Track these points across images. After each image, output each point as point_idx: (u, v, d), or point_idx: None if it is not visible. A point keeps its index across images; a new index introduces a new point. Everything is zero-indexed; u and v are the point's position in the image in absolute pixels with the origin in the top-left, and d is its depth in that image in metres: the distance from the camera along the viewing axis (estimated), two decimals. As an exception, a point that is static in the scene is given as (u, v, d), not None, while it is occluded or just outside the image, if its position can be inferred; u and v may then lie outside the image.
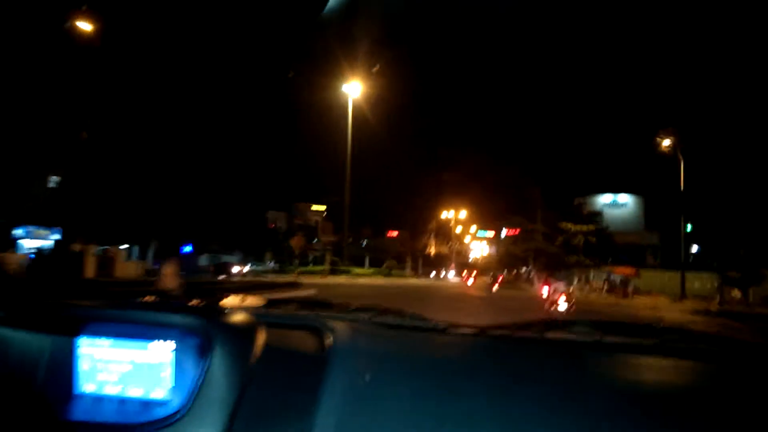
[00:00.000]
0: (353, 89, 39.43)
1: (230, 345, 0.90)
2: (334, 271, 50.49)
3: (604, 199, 62.76)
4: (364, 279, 47.70)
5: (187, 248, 71.16)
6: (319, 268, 51.23)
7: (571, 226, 40.49)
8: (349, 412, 0.84)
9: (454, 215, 76.87)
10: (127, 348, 0.96)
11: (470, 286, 36.14)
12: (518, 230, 49.09)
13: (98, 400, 0.95)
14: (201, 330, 0.92)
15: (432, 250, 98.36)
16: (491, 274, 37.29)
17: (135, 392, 0.95)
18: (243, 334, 0.95)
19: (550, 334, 1.27)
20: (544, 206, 46.56)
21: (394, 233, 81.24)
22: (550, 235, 44.67)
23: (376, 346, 1.07)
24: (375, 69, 33.76)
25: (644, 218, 62.36)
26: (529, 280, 51.08)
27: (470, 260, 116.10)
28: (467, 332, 1.29)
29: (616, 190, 62.37)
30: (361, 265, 62.65)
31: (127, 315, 0.99)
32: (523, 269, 70.08)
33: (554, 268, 47.85)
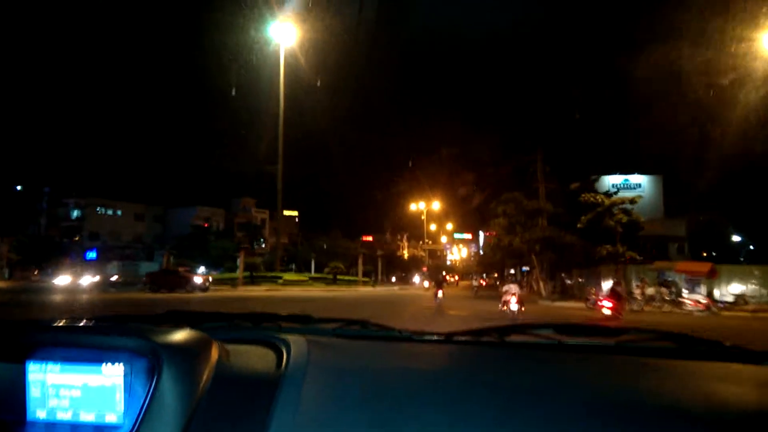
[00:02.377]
0: (284, 33, 31.28)
1: (179, 365, 0.86)
2: (253, 279, 33.91)
3: (613, 180, 46.95)
4: (293, 289, 32.07)
5: (91, 254, 54.83)
6: (233, 275, 34.46)
7: (603, 199, 24.43)
8: (304, 428, 0.80)
9: (425, 207, 60.38)
10: (77, 372, 0.91)
11: (440, 301, 20.94)
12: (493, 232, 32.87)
13: (51, 426, 0.90)
14: (150, 351, 0.87)
15: (405, 253, 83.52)
16: (438, 277, 28.09)
17: (87, 417, 0.90)
18: (193, 353, 0.90)
19: (513, 338, 1.26)
20: (550, 178, 30.29)
21: (369, 237, 66.47)
22: (560, 217, 28.49)
23: (336, 359, 1.02)
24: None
25: (663, 203, 46.99)
26: (528, 287, 34.87)
27: (447, 263, 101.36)
28: (431, 339, 1.28)
29: (627, 170, 47.73)
30: (309, 270, 46.14)
31: (77, 338, 0.94)
32: (510, 272, 53.67)
33: (568, 266, 32.15)
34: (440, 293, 20.70)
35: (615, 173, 45.97)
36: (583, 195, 25.38)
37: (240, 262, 33.58)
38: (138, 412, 0.82)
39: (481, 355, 1.18)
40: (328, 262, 44.62)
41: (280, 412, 0.81)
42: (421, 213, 60.70)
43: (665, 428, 0.78)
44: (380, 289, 37.06)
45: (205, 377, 0.88)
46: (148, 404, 0.81)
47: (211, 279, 30.55)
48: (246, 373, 0.94)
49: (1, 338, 0.97)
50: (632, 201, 23.64)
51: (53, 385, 0.91)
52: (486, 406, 0.83)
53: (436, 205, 62.53)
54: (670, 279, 23.08)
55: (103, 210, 57.97)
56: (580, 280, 29.40)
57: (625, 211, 23.61)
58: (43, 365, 0.91)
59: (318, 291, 32.40)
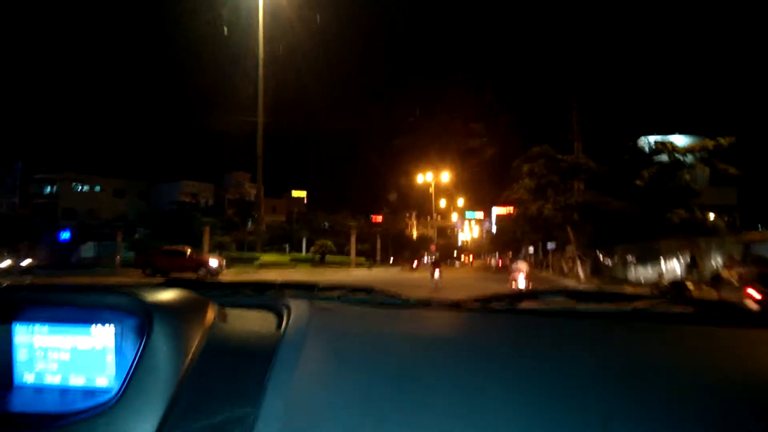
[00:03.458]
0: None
1: (170, 324, 0.81)
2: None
3: (644, 145, 39.92)
4: (268, 273, 26.36)
5: (65, 234, 49.21)
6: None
7: (672, 145, 17.54)
8: (301, 393, 0.77)
9: (433, 178, 53.40)
10: (66, 334, 0.87)
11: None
12: (513, 203, 26.22)
13: (39, 390, 0.87)
14: (140, 310, 0.83)
15: (414, 232, 76.89)
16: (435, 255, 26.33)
17: (76, 381, 0.86)
18: (186, 313, 0.86)
19: (523, 305, 1.22)
20: (586, 132, 23.38)
21: (379, 217, 60.69)
22: (602, 179, 21.67)
23: (339, 323, 1.00)
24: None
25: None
26: (557, 268, 28.19)
27: (459, 242, 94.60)
28: (438, 307, 1.23)
29: (664, 130, 40.47)
30: (301, 250, 39.82)
31: (65, 298, 0.89)
32: (525, 250, 46.78)
33: (610, 241, 25.29)
34: (437, 273, 18.50)
35: (651, 135, 39.08)
36: (640, 141, 18.53)
37: (204, 240, 27.22)
38: (126, 373, 0.77)
39: (489, 321, 1.12)
40: (318, 241, 38.32)
41: (277, 374, 0.78)
42: (429, 186, 53.72)
43: (682, 394, 0.75)
44: (377, 272, 30.57)
45: (198, 338, 0.83)
46: (136, 365, 0.77)
47: (225, 261, 24.17)
48: (244, 335, 0.90)
49: None
50: (717, 146, 16.47)
51: (41, 348, 0.86)
52: (495, 373, 0.80)
53: (446, 177, 55.56)
54: (768, 256, 16.43)
55: (79, 186, 51.85)
56: (629, 258, 22.56)
57: (706, 161, 16.62)
58: (30, 327, 0.87)
59: (298, 274, 26.08)
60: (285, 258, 31.70)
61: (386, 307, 1.22)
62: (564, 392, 0.75)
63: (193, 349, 0.80)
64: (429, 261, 25.48)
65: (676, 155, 17.33)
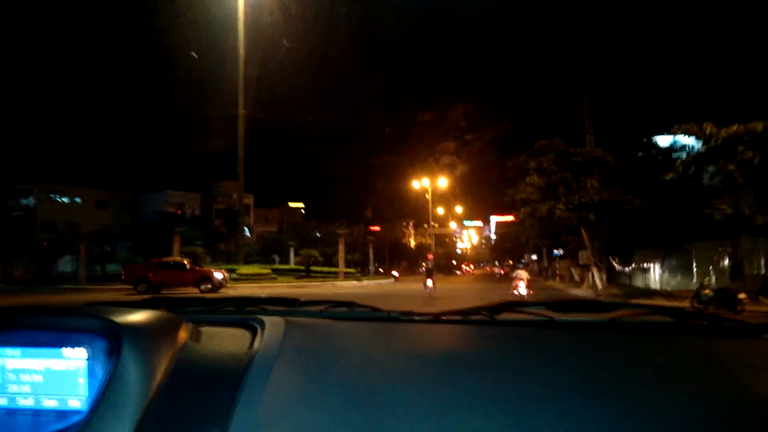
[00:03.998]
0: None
1: (140, 345, 0.82)
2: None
3: (659, 142, 37.50)
4: (246, 286, 23.70)
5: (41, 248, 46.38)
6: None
7: (711, 129, 14.81)
8: (272, 413, 0.76)
9: (430, 184, 50.68)
10: (38, 357, 0.87)
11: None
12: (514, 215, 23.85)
13: (12, 413, 0.87)
14: (110, 331, 0.84)
15: (411, 240, 74.28)
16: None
17: (49, 403, 0.86)
18: (156, 333, 0.86)
19: (503, 316, 1.24)
20: (599, 126, 20.82)
21: (376, 227, 58.55)
22: (618, 175, 18.99)
23: (316, 340, 0.99)
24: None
25: (722, 169, 36.83)
26: (564, 276, 25.47)
27: (458, 251, 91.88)
28: (420, 320, 1.25)
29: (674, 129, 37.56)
30: (288, 260, 37.03)
31: (37, 321, 0.90)
32: (528, 258, 44.19)
33: (629, 245, 22.48)
34: (430, 282, 18.37)
35: (661, 134, 36.56)
36: (675, 127, 15.95)
37: (174, 250, 24.45)
38: (95, 395, 0.79)
39: (470, 333, 1.14)
40: (305, 251, 35.54)
41: (247, 394, 0.78)
42: (426, 192, 50.97)
43: (659, 405, 0.76)
44: (368, 284, 27.69)
45: (168, 359, 0.84)
46: (105, 388, 0.78)
47: (228, 275, 21.40)
48: (216, 355, 0.90)
49: None
50: (767, 128, 13.78)
51: (14, 371, 0.87)
52: (475, 386, 0.81)
53: (443, 184, 52.88)
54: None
55: (59, 197, 49.04)
56: (651, 264, 19.78)
57: (754, 145, 13.86)
58: (3, 350, 0.87)
59: (279, 287, 23.27)
60: (266, 270, 28.80)
61: (366, 321, 1.22)
62: (544, 403, 0.75)
63: (162, 371, 0.80)
64: (423, 270, 23.23)
65: (714, 141, 14.59)
